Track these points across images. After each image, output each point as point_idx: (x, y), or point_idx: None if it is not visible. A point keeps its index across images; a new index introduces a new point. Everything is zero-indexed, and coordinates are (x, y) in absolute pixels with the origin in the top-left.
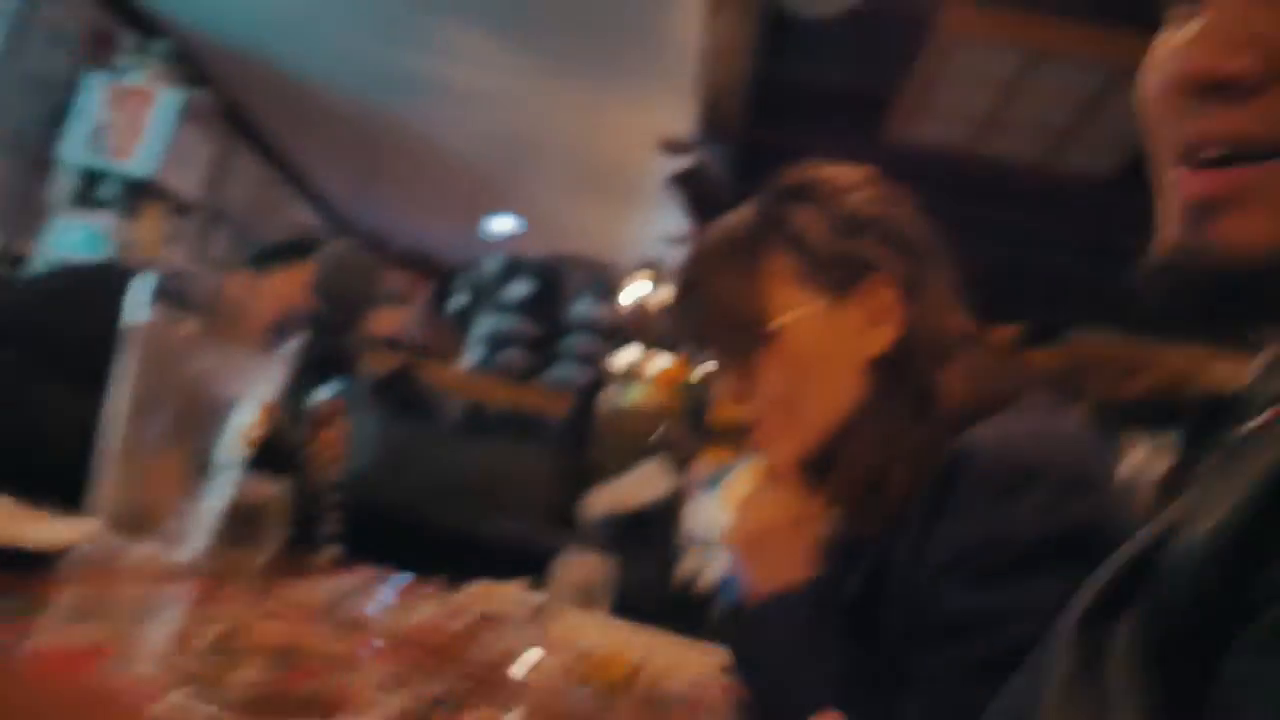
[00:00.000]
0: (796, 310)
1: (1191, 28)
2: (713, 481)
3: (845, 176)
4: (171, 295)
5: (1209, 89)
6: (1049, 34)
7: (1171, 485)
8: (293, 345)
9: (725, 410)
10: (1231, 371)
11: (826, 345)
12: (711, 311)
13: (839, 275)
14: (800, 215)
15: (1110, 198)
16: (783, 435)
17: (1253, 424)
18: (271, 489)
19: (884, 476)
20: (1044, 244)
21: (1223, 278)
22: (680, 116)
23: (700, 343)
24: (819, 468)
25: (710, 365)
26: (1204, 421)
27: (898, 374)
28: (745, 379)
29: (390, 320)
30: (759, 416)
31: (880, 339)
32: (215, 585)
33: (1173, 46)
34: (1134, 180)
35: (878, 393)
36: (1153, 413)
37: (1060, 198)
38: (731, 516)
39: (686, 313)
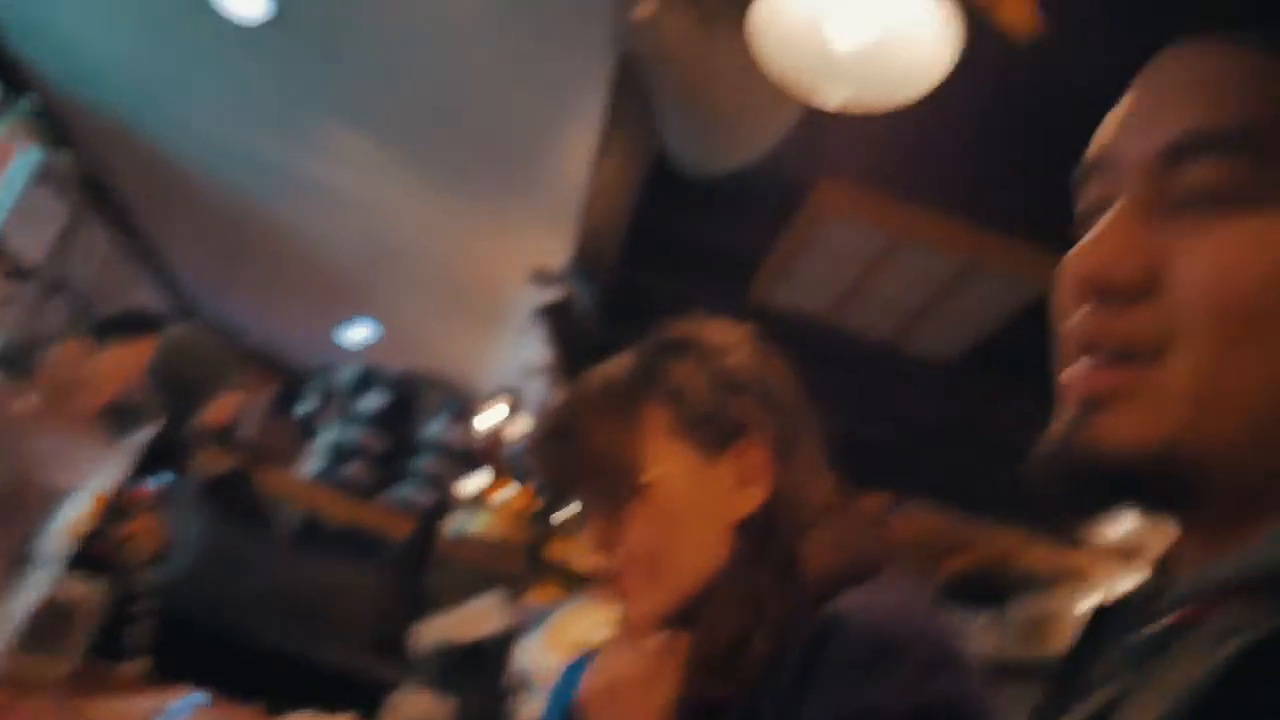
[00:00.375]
0: (669, 464)
1: (1092, 234)
2: (540, 619)
3: (725, 335)
4: (11, 362)
5: (1102, 292)
6: (912, 220)
7: (1068, 679)
8: (139, 436)
9: (562, 550)
10: (1047, 555)
11: (696, 502)
12: (583, 457)
13: (714, 433)
14: (680, 370)
15: (953, 381)
16: (645, 590)
17: (1161, 624)
18: (86, 589)
19: (745, 639)
20: (887, 417)
21: (1095, 471)
22: (554, 249)
23: (567, 487)
24: (679, 625)
25: (568, 508)
26: (1100, 620)
27: (764, 536)
28: (610, 529)
29: (226, 407)
30: (622, 569)
31: (749, 500)
32: (15, 696)
33: (1076, 249)
34: (976, 366)
35: (743, 554)
36: (971, 590)
37: (906, 375)
38: (588, 671)
39: (556, 455)
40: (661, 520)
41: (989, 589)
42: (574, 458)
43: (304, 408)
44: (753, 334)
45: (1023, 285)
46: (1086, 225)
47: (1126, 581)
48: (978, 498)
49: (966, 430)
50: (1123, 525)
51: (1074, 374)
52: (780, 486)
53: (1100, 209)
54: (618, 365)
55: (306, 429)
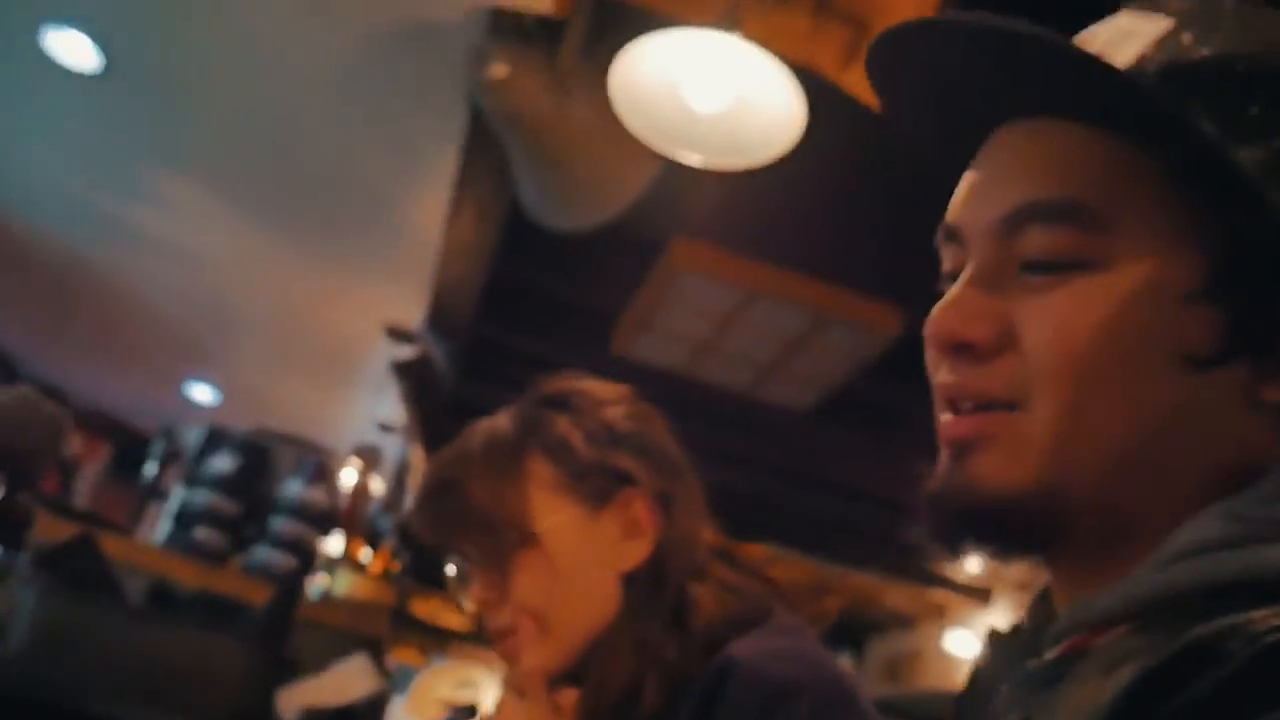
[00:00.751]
0: (555, 517)
1: (946, 298)
2: (403, 680)
3: (604, 391)
4: None
5: (957, 349)
6: (764, 277)
7: (968, 707)
8: None
9: (426, 608)
10: (906, 595)
11: (583, 554)
12: (468, 512)
13: (596, 486)
14: (560, 424)
15: (805, 430)
16: (536, 645)
17: (1052, 654)
18: None
19: (637, 689)
20: (744, 467)
21: (972, 511)
22: (409, 305)
23: (451, 544)
24: (570, 679)
25: (447, 567)
26: (996, 651)
27: (652, 587)
28: (497, 586)
29: (57, 472)
30: (511, 625)
31: (635, 552)
32: None
33: (933, 313)
34: (827, 416)
35: (632, 605)
36: (835, 633)
37: (762, 426)
38: None
39: (440, 512)
40: (550, 574)
41: (849, 630)
42: (458, 514)
43: (148, 471)
44: (631, 391)
45: (871, 339)
46: (946, 288)
47: (985, 618)
48: (833, 542)
49: (820, 477)
50: (976, 563)
51: (943, 424)
52: (665, 537)
53: (956, 274)
54: (499, 420)
55: (151, 493)
